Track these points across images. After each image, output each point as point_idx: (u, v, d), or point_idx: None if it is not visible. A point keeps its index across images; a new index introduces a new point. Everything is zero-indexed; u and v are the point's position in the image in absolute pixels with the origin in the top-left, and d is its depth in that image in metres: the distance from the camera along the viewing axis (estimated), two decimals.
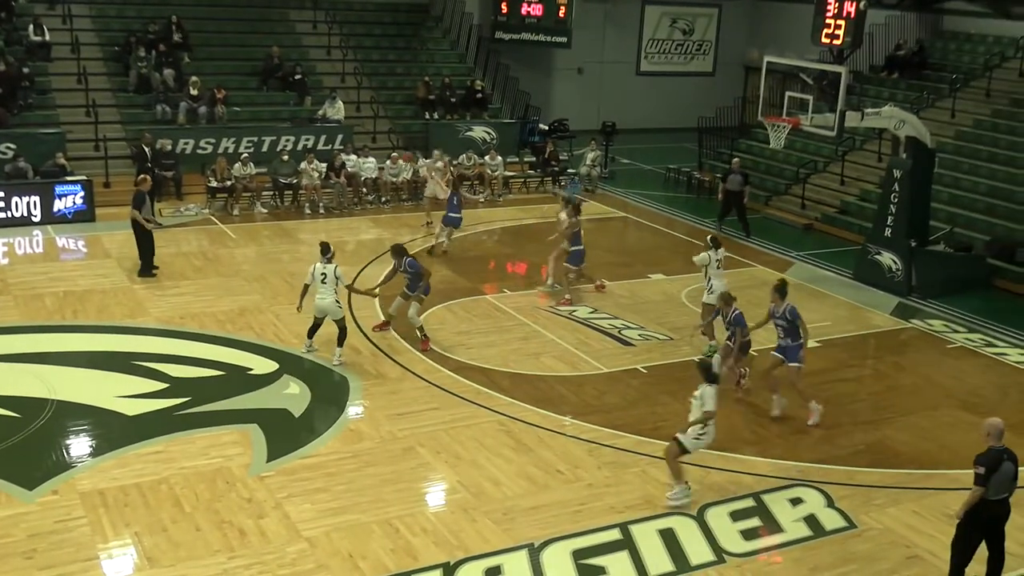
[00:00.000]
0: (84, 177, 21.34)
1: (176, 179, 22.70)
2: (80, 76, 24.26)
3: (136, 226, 17.58)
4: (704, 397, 10.68)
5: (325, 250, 14.09)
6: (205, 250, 19.38)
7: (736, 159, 24.42)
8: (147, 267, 17.62)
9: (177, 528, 10.01)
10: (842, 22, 23.22)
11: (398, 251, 15.24)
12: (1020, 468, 9.36)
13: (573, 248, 17.26)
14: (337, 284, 13.95)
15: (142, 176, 18.51)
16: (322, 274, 13.85)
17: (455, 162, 24.69)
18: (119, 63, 25.24)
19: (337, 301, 13.99)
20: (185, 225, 21.07)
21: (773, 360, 13.26)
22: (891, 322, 17.57)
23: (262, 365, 14.10)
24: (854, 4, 22.63)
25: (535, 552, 9.93)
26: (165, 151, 22.43)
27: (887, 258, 19.20)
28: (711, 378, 10.78)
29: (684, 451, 10.87)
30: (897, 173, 19.13)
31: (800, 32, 26.27)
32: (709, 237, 16.37)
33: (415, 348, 14.88)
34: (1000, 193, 22.04)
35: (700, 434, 10.80)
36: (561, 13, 31.28)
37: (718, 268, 15.69)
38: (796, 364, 13.00)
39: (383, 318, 15.70)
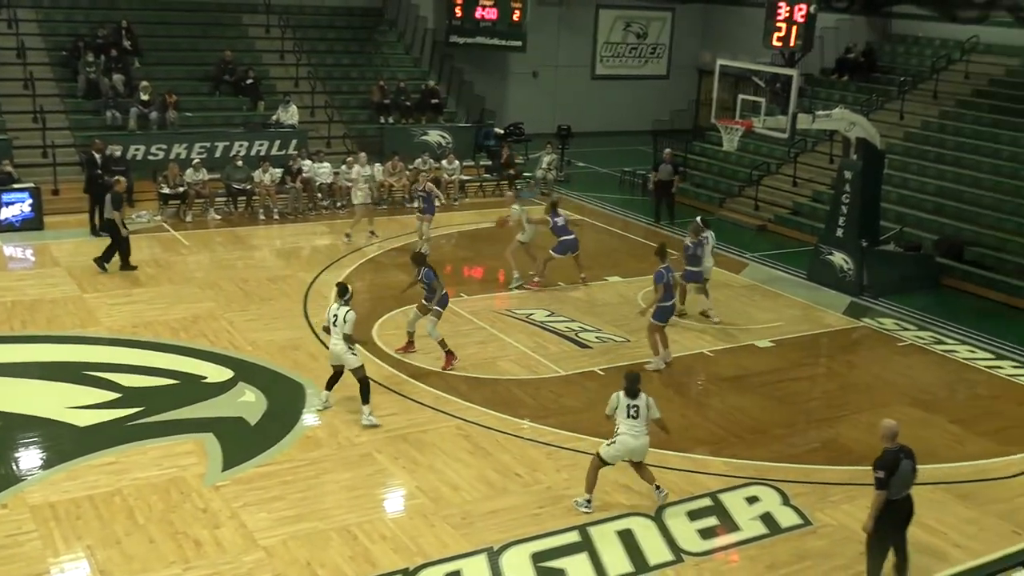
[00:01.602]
0: (32, 185, 20.97)
1: (127, 186, 22.35)
2: (27, 82, 23.89)
3: (114, 227, 17.98)
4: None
5: (342, 292, 12.72)
6: (158, 257, 19.15)
7: (668, 150, 24.74)
8: (126, 263, 18.17)
9: (131, 540, 9.87)
10: (793, 26, 23.50)
11: (417, 260, 14.68)
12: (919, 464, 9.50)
13: (563, 238, 18.13)
14: (345, 327, 12.42)
15: (116, 178, 18.86)
16: (334, 316, 12.49)
17: (410, 167, 24.64)
18: (67, 68, 24.89)
19: (350, 347, 12.56)
20: (137, 232, 20.70)
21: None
22: (843, 321, 17.80)
23: (217, 373, 13.95)
24: (804, 8, 22.89)
25: (494, 556, 9.93)
26: (115, 157, 22.09)
27: (839, 258, 19.44)
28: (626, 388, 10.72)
29: (603, 462, 10.84)
30: (848, 174, 19.38)
31: (752, 35, 26.57)
32: (698, 218, 17.28)
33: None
34: (948, 193, 22.41)
35: (611, 441, 10.80)
36: (515, 17, 31.31)
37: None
38: (654, 320, 14.72)
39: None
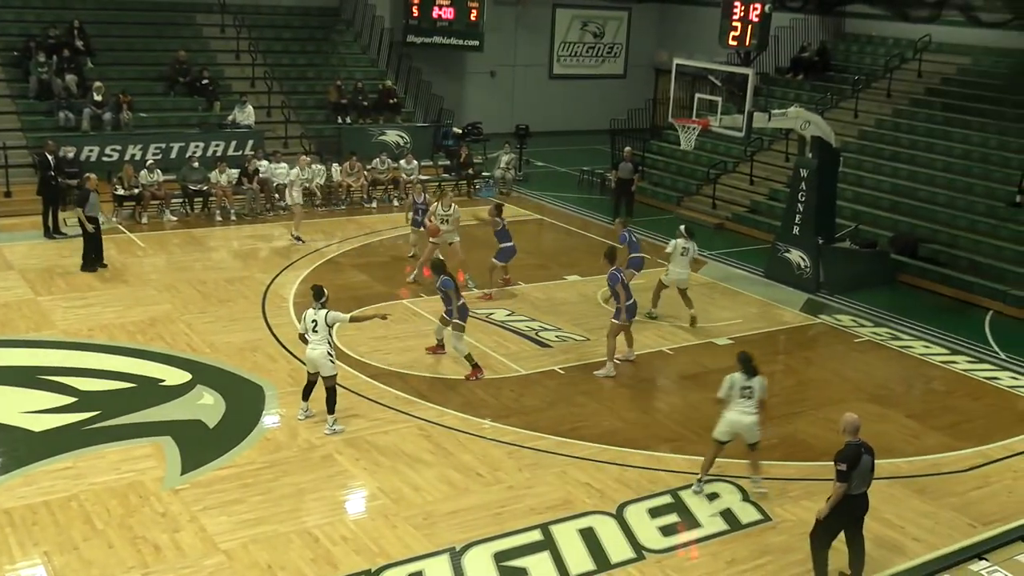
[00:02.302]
0: None
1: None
2: None
3: (88, 224, 18.05)
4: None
5: (318, 294, 12.31)
6: (113, 259, 18.86)
7: (628, 148, 24.95)
8: (88, 263, 18.06)
9: (89, 546, 9.74)
10: (748, 25, 23.68)
11: (436, 267, 14.45)
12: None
13: (503, 245, 17.89)
14: (330, 332, 12.27)
15: (87, 175, 18.84)
16: (312, 321, 12.13)
17: (368, 167, 24.54)
18: (18, 69, 24.48)
19: (330, 354, 12.22)
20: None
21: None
22: (801, 318, 17.98)
23: (174, 376, 13.81)
24: (759, 7, 23.07)
25: (456, 556, 9.92)
26: (69, 159, 21.77)
27: (796, 255, 19.64)
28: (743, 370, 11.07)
29: (720, 443, 11.32)
30: (804, 172, 19.59)
31: (708, 35, 26.70)
32: (683, 227, 17.25)
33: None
34: (902, 190, 22.72)
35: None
36: (473, 16, 31.30)
37: (682, 255, 16.69)
38: (615, 320, 14.77)
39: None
